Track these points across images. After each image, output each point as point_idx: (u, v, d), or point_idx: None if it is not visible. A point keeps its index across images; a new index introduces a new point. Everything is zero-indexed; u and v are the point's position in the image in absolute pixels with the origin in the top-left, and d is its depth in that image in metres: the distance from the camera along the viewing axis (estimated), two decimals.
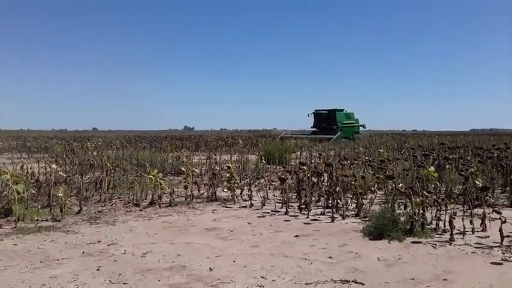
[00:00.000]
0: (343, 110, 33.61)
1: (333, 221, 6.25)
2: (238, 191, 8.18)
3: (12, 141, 25.85)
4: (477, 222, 5.59)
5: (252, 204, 7.49)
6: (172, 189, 7.70)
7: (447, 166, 9.48)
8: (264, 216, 6.67)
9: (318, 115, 33.92)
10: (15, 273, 4.01)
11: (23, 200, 6.59)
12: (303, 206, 7.08)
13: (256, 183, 9.54)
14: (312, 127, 34.41)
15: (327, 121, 32.97)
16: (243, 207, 7.45)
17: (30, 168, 9.44)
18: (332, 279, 3.83)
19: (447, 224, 5.35)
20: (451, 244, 4.99)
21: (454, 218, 5.25)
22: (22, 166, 9.30)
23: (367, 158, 12.02)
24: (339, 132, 29.95)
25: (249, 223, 6.19)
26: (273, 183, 9.73)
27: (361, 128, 35.32)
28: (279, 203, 7.55)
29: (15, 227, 5.75)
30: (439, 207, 5.76)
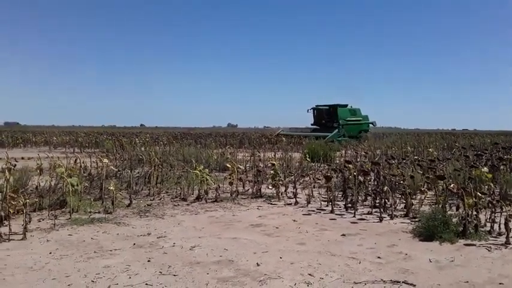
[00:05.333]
0: (346, 105, 30.44)
1: (380, 220, 6.12)
2: (282, 189, 8.17)
3: (65, 137, 26.99)
4: None
5: (297, 202, 7.46)
6: (218, 185, 7.79)
7: (501, 167, 9.06)
8: (309, 214, 6.63)
9: (318, 111, 30.88)
10: (71, 262, 4.19)
11: (76, 193, 6.89)
12: (349, 205, 6.97)
13: (300, 181, 9.50)
14: (312, 124, 31.45)
15: (327, 118, 30.03)
16: (287, 204, 7.43)
17: (83, 163, 9.84)
18: (382, 280, 3.75)
19: (502, 226, 5.13)
20: (506, 247, 4.78)
21: (510, 221, 5.00)
22: (75, 160, 9.68)
23: (415, 157, 11.68)
24: (336, 130, 27.06)
25: (294, 220, 6.17)
26: (317, 181, 9.64)
27: (370, 126, 31.94)
28: (325, 201, 7.48)
29: (69, 218, 6.00)
30: (493, 209, 5.53)
